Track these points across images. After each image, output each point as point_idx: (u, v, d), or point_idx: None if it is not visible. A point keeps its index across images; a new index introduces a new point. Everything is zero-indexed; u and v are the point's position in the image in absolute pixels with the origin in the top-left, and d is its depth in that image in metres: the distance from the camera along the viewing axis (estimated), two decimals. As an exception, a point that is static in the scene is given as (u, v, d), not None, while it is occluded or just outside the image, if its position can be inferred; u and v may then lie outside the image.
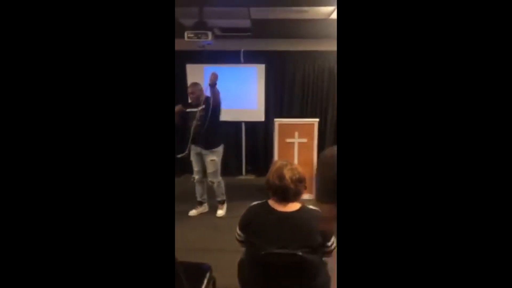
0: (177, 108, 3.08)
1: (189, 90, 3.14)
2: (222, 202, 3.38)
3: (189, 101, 3.14)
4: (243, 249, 1.60)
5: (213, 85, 2.92)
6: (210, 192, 3.38)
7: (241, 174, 4.68)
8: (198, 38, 2.70)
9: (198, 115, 3.08)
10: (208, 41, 2.73)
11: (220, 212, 3.36)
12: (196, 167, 3.24)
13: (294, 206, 1.43)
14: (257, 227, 1.42)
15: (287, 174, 1.41)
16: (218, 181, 3.28)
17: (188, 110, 3.12)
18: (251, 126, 4.60)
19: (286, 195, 1.41)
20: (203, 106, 3.06)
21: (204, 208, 3.42)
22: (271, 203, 1.45)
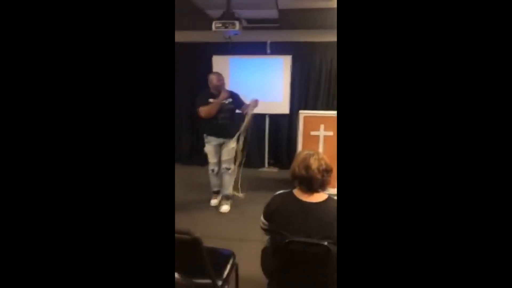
0: (224, 94, 3.01)
1: (215, 78, 3.04)
2: (227, 198, 3.26)
3: (213, 90, 3.05)
4: (265, 238, 1.61)
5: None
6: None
7: (263, 166, 4.69)
8: (226, 27, 2.69)
9: (225, 108, 3.04)
10: (235, 31, 2.72)
11: (226, 208, 3.22)
12: (214, 159, 3.19)
13: (320, 197, 1.41)
14: (282, 216, 1.42)
15: (314, 164, 1.39)
16: (233, 169, 3.21)
17: (212, 100, 3.02)
18: (275, 118, 4.57)
19: (312, 185, 1.39)
20: (231, 100, 3.04)
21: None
22: (296, 192, 1.44)
